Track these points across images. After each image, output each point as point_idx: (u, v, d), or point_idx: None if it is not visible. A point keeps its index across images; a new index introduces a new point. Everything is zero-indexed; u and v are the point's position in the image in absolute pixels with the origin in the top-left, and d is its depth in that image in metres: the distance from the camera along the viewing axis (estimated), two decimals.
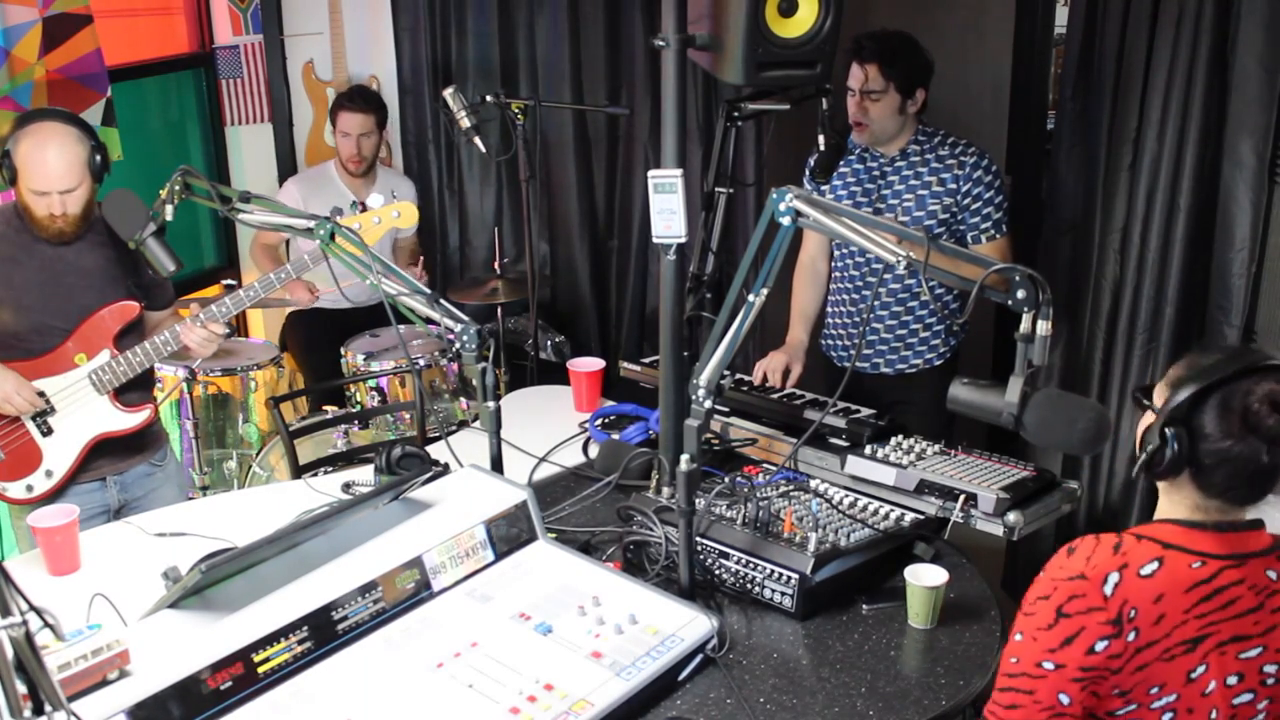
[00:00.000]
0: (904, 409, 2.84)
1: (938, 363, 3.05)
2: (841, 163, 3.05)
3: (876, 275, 2.96)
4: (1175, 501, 1.61)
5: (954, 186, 2.89)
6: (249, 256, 4.30)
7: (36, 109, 2.58)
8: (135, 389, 2.71)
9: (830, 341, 3.23)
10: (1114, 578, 1.52)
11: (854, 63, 2.89)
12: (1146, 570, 1.54)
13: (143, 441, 2.78)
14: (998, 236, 2.92)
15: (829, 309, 3.20)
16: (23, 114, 2.57)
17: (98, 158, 2.57)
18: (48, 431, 2.61)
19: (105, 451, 2.69)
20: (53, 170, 2.50)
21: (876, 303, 3.00)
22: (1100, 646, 1.50)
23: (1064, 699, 1.51)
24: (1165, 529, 1.59)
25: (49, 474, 2.63)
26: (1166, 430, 1.54)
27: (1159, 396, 1.61)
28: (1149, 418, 1.62)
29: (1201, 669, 1.55)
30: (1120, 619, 1.51)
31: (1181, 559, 1.55)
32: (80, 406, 2.63)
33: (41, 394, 2.58)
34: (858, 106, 2.90)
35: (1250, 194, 2.66)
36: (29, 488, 2.62)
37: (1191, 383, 1.53)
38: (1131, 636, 1.51)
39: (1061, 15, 3.73)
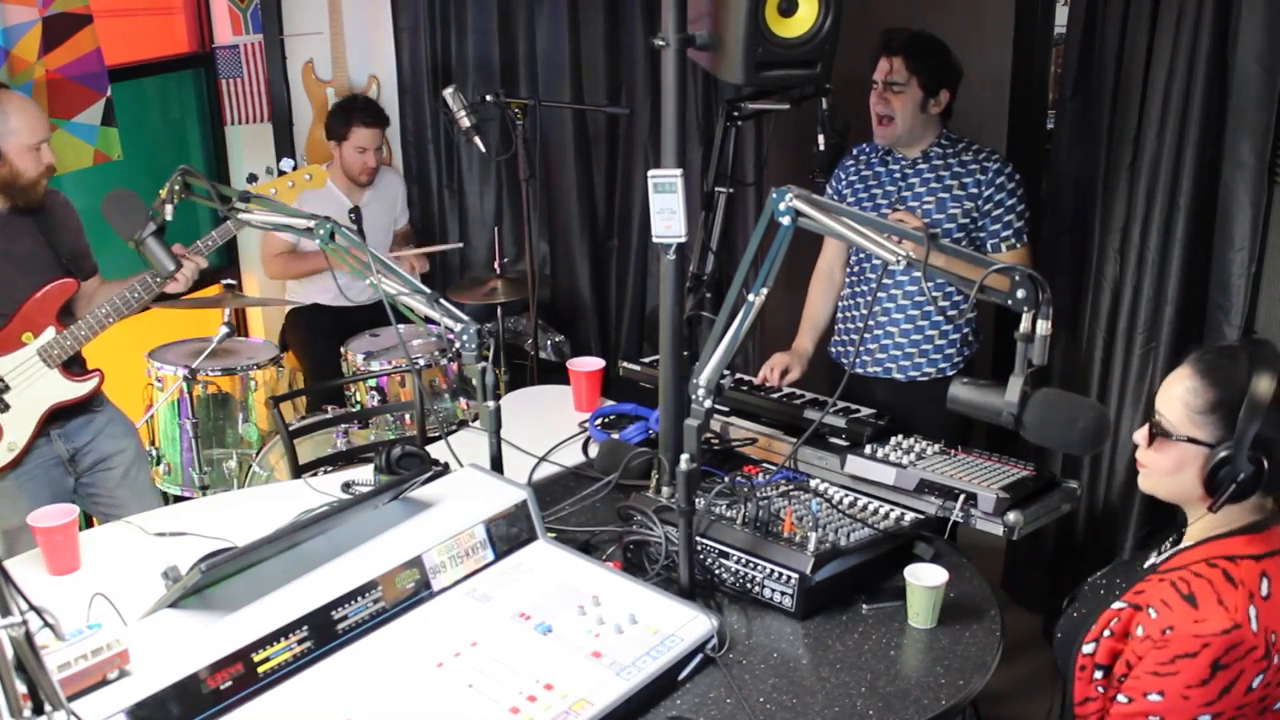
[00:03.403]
0: (916, 419, 2.82)
1: (951, 372, 3.01)
2: (864, 164, 3.05)
3: (892, 278, 2.95)
4: (1229, 510, 1.60)
5: (975, 191, 2.88)
6: (266, 273, 4.30)
7: None
8: (78, 360, 2.86)
9: (841, 349, 3.21)
10: (1253, 612, 1.52)
11: (881, 56, 2.88)
12: (1265, 591, 1.54)
13: (85, 403, 2.91)
14: (1018, 245, 2.90)
15: (841, 314, 3.18)
16: None
17: None
18: (4, 408, 2.72)
19: (54, 416, 2.84)
20: (43, 120, 2.73)
21: (892, 305, 2.99)
22: (1257, 682, 1.50)
23: None
24: (1239, 542, 1.59)
25: (11, 447, 2.75)
26: (1258, 453, 1.52)
27: (1193, 427, 1.59)
28: (1183, 450, 1.60)
29: None
30: (1269, 649, 1.51)
31: (1274, 566, 1.57)
32: (33, 382, 2.76)
33: None
34: (879, 98, 2.90)
35: (1250, 194, 2.66)
36: None
37: (1258, 399, 1.52)
38: (1276, 659, 1.52)
39: (1061, 15, 3.73)
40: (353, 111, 4.15)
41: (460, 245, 4.42)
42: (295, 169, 2.78)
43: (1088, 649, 1.66)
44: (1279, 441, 1.53)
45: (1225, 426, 1.57)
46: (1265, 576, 1.55)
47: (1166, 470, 1.66)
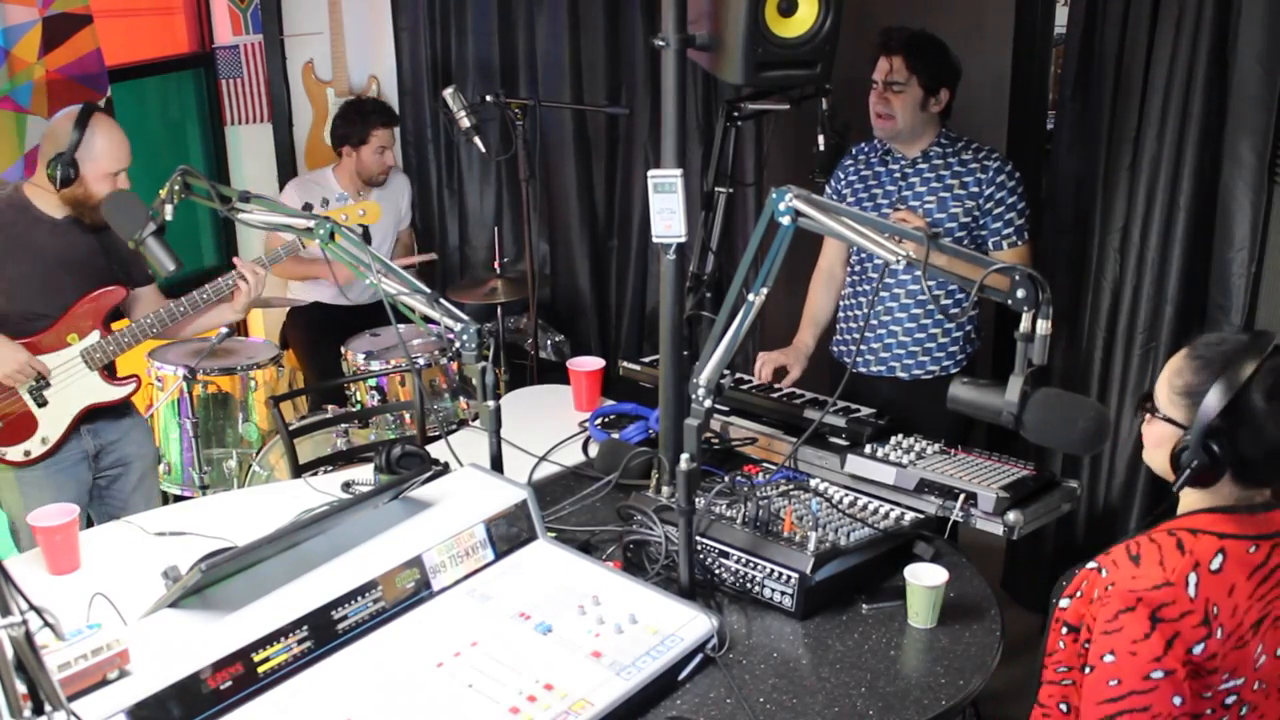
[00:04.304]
0: (921, 418, 2.78)
1: (954, 369, 3.01)
2: (864, 164, 3.05)
3: (894, 277, 2.95)
4: (1211, 491, 1.61)
5: (976, 190, 2.88)
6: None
7: (83, 103, 2.85)
8: (113, 365, 2.93)
9: (842, 348, 3.21)
10: (1193, 578, 1.52)
11: (881, 55, 2.89)
12: (1215, 565, 1.54)
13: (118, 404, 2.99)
14: (1019, 243, 2.91)
15: (843, 314, 3.18)
16: (77, 112, 2.76)
17: None
18: (43, 403, 2.82)
19: (87, 416, 2.92)
20: (127, 149, 2.81)
21: (894, 305, 2.99)
22: (1198, 650, 1.50)
23: (1178, 701, 1.50)
24: (1210, 519, 1.59)
25: (44, 440, 2.84)
26: (1212, 443, 1.53)
27: (1171, 406, 1.60)
28: (1162, 428, 1.61)
29: (1259, 648, 1.56)
30: (1208, 618, 1.51)
31: (1238, 546, 1.56)
32: (73, 381, 2.84)
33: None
34: (879, 98, 2.90)
35: (1250, 194, 2.66)
36: (26, 452, 2.83)
37: (1219, 389, 1.52)
38: (1219, 634, 1.52)
39: (1061, 15, 3.73)
40: (370, 114, 4.18)
41: (434, 257, 4.46)
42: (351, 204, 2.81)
43: (1064, 603, 1.67)
44: (1230, 434, 1.53)
45: (1195, 410, 1.58)
46: (1222, 553, 1.55)
47: (1150, 445, 1.67)
